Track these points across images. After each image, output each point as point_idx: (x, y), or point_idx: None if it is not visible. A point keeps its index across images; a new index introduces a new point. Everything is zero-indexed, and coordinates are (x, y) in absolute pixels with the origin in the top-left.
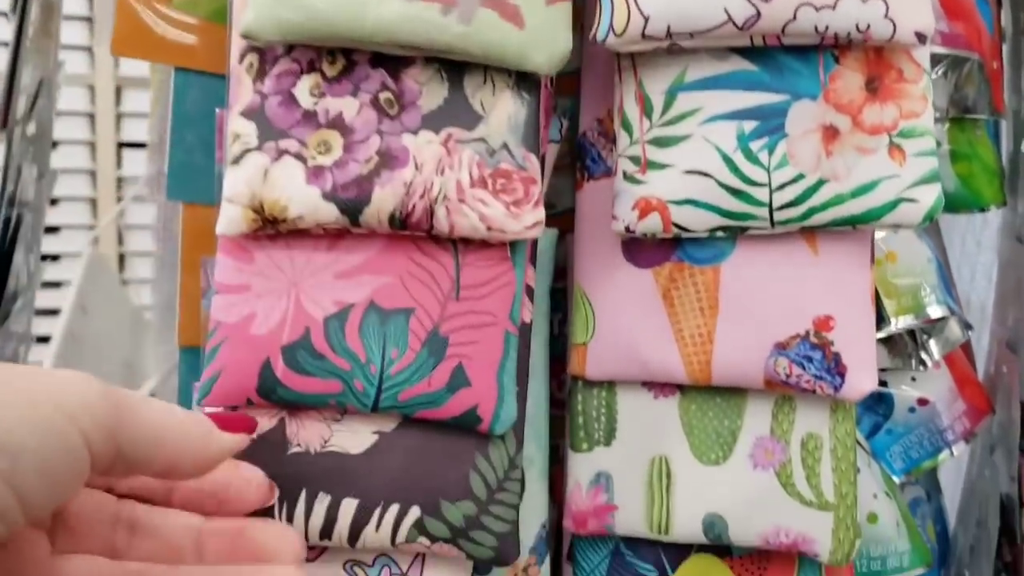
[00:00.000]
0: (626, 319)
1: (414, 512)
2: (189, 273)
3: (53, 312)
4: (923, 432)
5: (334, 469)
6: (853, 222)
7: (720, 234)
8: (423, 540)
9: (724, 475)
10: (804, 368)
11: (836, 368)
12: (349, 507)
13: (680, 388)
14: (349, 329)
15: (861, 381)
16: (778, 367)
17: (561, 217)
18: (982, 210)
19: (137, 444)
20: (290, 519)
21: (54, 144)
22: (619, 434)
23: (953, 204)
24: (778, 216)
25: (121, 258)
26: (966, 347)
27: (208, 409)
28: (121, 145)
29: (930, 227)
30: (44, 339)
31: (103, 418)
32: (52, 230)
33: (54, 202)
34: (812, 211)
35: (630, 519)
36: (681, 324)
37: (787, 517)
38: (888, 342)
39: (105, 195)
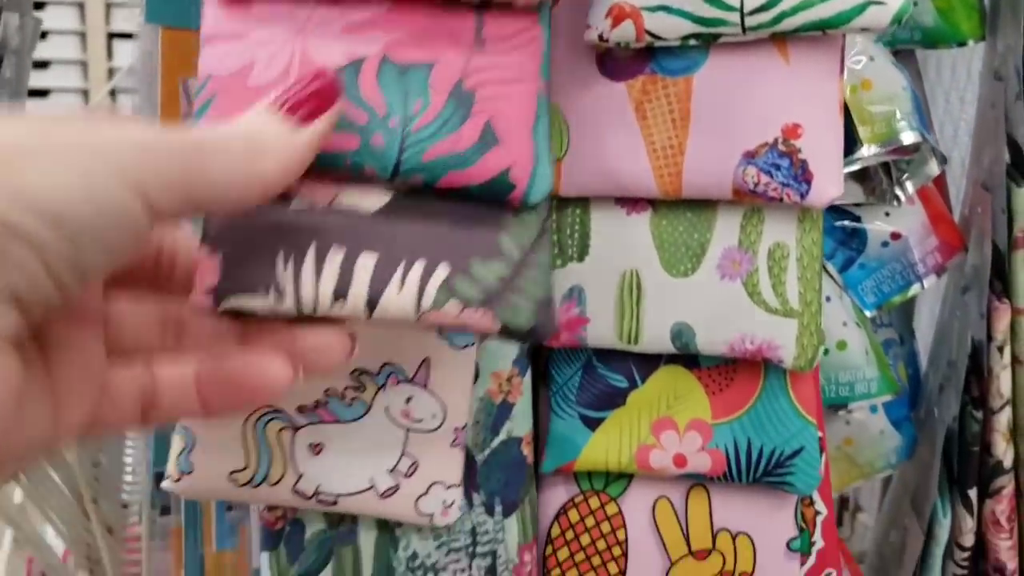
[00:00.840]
0: (599, 134)
1: (442, 270)
2: (169, 99)
3: None
4: (895, 266)
5: (346, 225)
6: (823, 26)
7: (692, 42)
8: (453, 303)
9: (692, 286)
10: (771, 176)
11: (803, 175)
12: (366, 263)
13: (652, 204)
14: (364, 79)
15: (827, 188)
16: (746, 176)
17: None
18: (960, 44)
19: (214, 186)
20: (297, 278)
21: (44, 35)
22: (592, 250)
23: (932, 38)
24: (749, 21)
25: None
26: (941, 185)
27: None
28: (111, 36)
29: (910, 65)
30: None
31: (168, 175)
32: (42, 93)
33: (44, 93)
34: (782, 15)
35: (601, 331)
36: (653, 137)
37: (753, 325)
38: (863, 178)
39: (96, 87)
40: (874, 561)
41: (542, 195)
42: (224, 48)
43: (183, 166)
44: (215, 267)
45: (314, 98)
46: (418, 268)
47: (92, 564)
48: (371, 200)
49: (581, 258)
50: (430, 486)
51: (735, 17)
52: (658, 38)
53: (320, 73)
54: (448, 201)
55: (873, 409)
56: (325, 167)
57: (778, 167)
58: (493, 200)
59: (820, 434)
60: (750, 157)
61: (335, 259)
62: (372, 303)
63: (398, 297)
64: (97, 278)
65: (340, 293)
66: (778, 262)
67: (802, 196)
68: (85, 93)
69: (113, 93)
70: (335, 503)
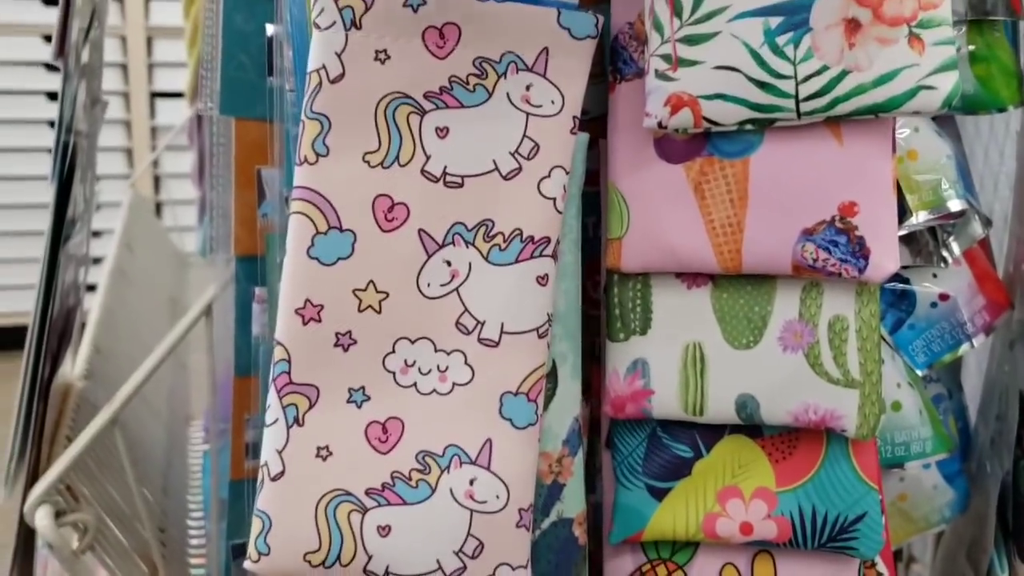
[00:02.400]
0: (659, 213)
1: None
2: (243, 185)
3: (96, 260)
4: (944, 326)
5: None
6: (875, 110)
7: (749, 127)
8: None
9: (755, 358)
10: (830, 252)
11: (860, 251)
12: None
13: (712, 278)
14: None
15: (884, 262)
16: (805, 252)
17: (594, 123)
18: (1000, 110)
19: None
20: None
21: None
22: (654, 323)
23: (972, 105)
24: (804, 107)
25: (158, 206)
26: (985, 245)
27: None
28: (154, 95)
29: (949, 127)
30: (91, 287)
31: None
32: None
33: None
34: (836, 101)
35: (666, 402)
36: (712, 215)
37: (815, 395)
38: (910, 241)
39: (140, 145)
40: None
41: None
42: None
43: None
44: None
45: None
46: None
47: None
48: None
49: (644, 331)
50: (496, 567)
51: (790, 104)
52: (716, 124)
53: None
54: None
55: (926, 465)
56: None
57: (836, 244)
58: None
59: (881, 497)
60: (808, 234)
61: None
62: None
63: None
64: None
65: None
66: (838, 334)
67: (860, 271)
68: (128, 152)
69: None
70: None
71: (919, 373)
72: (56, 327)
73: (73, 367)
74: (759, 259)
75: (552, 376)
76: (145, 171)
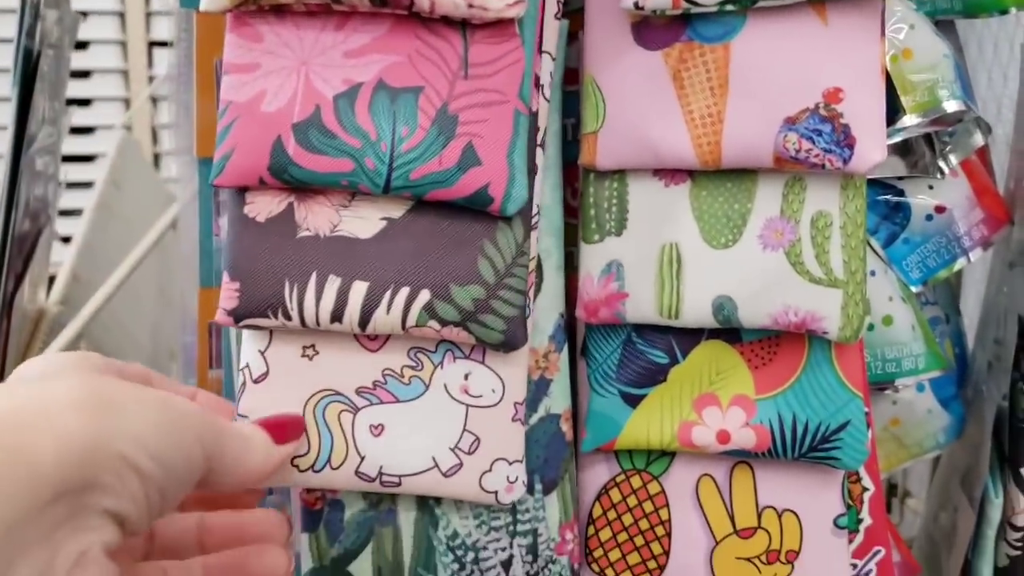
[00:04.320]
0: (636, 104)
1: (424, 295)
2: (204, 85)
3: (88, 184)
4: (940, 240)
5: (343, 253)
6: None
7: (730, 7)
8: (433, 323)
9: (734, 258)
10: (813, 142)
11: (845, 140)
12: (359, 289)
13: (691, 175)
14: (359, 107)
15: (870, 152)
16: (787, 142)
17: (574, 15)
18: (1002, 12)
19: (225, 465)
20: (301, 303)
21: (84, 44)
22: (630, 223)
23: (973, 6)
24: None
25: (156, 158)
26: (985, 158)
27: (252, 410)
28: (152, 44)
29: (947, 31)
30: (78, 211)
31: (211, 447)
32: (84, 103)
33: (87, 102)
34: None
35: (641, 306)
36: (691, 105)
37: (796, 296)
38: (905, 151)
39: (137, 94)
40: (923, 545)
41: (517, 207)
42: (241, 78)
43: (217, 439)
44: (234, 293)
45: (284, 428)
46: (403, 293)
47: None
48: (366, 227)
49: (619, 232)
50: (493, 462)
51: None
52: (695, 3)
53: (292, 420)
54: (434, 219)
55: (920, 388)
56: (326, 185)
57: (820, 132)
58: (476, 210)
59: (867, 408)
60: (791, 123)
61: (332, 286)
62: (364, 322)
63: (386, 318)
64: (171, 509)
65: (336, 315)
66: (821, 231)
67: (844, 162)
68: (126, 102)
69: (153, 100)
70: (399, 484)
71: (913, 289)
72: (21, 243)
73: (49, 294)
74: (739, 151)
75: (538, 271)
76: (143, 122)
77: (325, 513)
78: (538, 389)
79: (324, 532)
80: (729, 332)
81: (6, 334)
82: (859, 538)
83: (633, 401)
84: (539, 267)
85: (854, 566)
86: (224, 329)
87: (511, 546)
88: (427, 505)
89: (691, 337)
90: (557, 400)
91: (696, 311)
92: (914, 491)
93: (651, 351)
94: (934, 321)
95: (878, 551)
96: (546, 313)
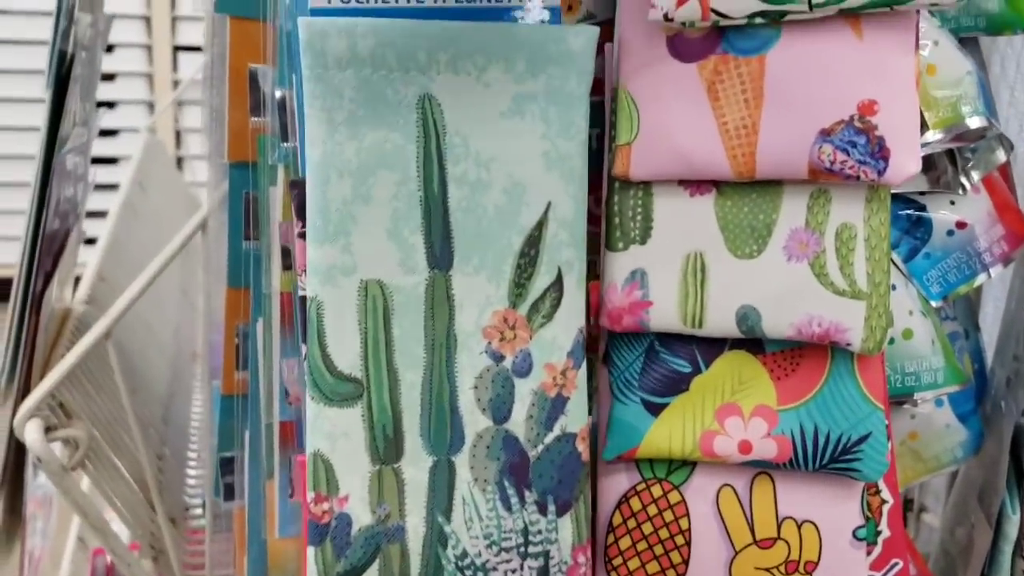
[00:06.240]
0: (670, 115)
1: None
2: (237, 88)
3: (112, 187)
4: (961, 256)
5: None
6: (891, 3)
7: (759, 20)
8: None
9: (758, 268)
10: (848, 154)
11: (880, 152)
12: None
13: (716, 185)
14: None
15: (905, 163)
16: (822, 154)
17: (599, 27)
18: None
19: None
20: None
21: (110, 48)
22: (655, 232)
23: (996, 25)
24: None
25: (179, 161)
26: (1006, 174)
27: None
28: (177, 48)
29: (971, 48)
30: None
31: None
32: (110, 105)
33: (112, 104)
34: None
35: (665, 314)
36: (726, 117)
37: (820, 307)
38: (928, 166)
39: (162, 98)
40: (939, 560)
41: None
42: None
43: None
44: None
45: None
46: None
47: (156, 553)
48: None
49: (644, 241)
50: None
51: None
52: (724, 16)
53: None
54: None
55: (939, 403)
56: None
57: (855, 144)
58: None
59: (887, 421)
60: (826, 135)
61: None
62: None
63: None
64: None
65: None
66: (846, 243)
67: (879, 173)
68: (150, 105)
69: (178, 104)
70: None
71: (933, 304)
72: (51, 242)
73: (74, 293)
74: (774, 162)
75: (557, 285)
76: (166, 125)
77: (332, 527)
78: (554, 407)
79: (330, 546)
80: (752, 342)
81: (34, 331)
82: (877, 550)
83: (655, 410)
84: (559, 280)
85: None
86: (251, 331)
87: (522, 568)
88: (436, 523)
89: (714, 347)
90: (574, 419)
91: (720, 320)
92: (930, 506)
93: (674, 360)
94: (953, 336)
95: (896, 563)
96: (565, 328)
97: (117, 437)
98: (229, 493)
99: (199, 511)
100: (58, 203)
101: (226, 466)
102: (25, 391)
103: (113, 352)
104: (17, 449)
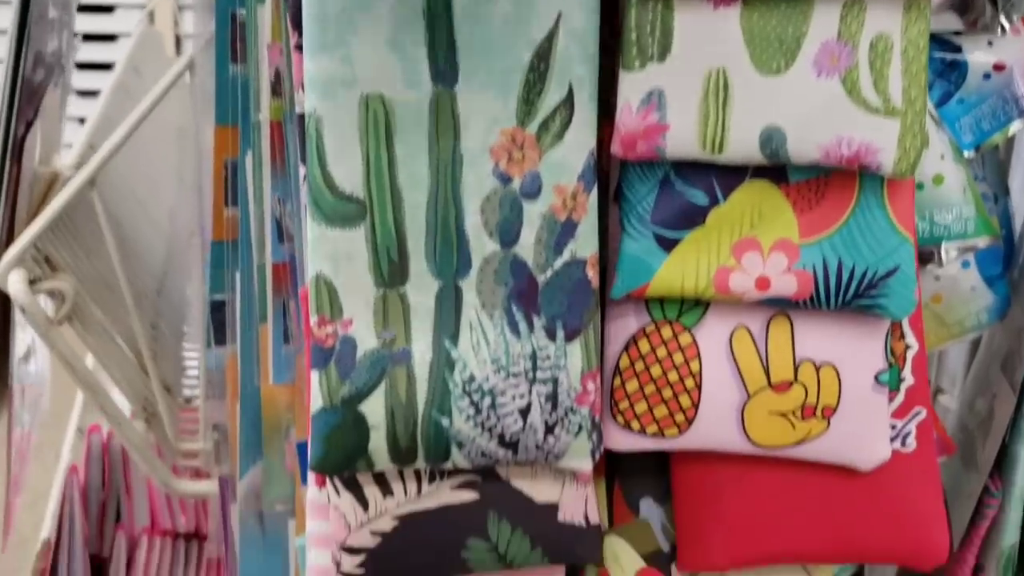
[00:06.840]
0: None
1: None
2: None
3: (107, 67)
4: (996, 101)
5: None
6: None
7: None
8: None
9: (785, 85)
10: None
11: None
12: None
13: None
14: None
15: None
16: None
17: None
18: None
19: None
20: None
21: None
22: (674, 47)
23: None
24: None
25: (177, 40)
26: None
27: None
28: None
29: None
30: (94, 93)
31: None
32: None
33: (108, 10)
34: None
35: (682, 138)
36: None
37: (851, 126)
38: (963, 6)
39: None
40: (957, 435)
41: None
42: None
43: None
44: None
45: None
46: None
47: (149, 416)
48: None
49: (662, 57)
50: None
51: None
52: None
53: None
54: None
55: (965, 264)
56: None
57: None
58: None
59: (916, 251)
60: None
61: None
62: None
63: None
64: None
65: None
66: (881, 55)
67: None
68: (151, 15)
69: (179, 8)
70: None
71: (966, 154)
72: (31, 91)
73: (62, 158)
74: None
75: (568, 103)
76: (166, 23)
77: (336, 350)
78: (564, 231)
79: (335, 369)
80: (775, 171)
81: (16, 179)
82: (899, 398)
83: (668, 245)
84: (570, 97)
85: (893, 427)
86: (239, 163)
87: (530, 393)
88: (443, 348)
89: (734, 176)
90: (584, 244)
91: (742, 144)
92: (946, 387)
93: (690, 191)
94: (982, 199)
95: (919, 411)
96: (576, 148)
97: (107, 298)
98: (220, 335)
99: (194, 382)
100: (39, 54)
101: (217, 310)
102: (8, 243)
103: (99, 203)
104: (3, 315)
